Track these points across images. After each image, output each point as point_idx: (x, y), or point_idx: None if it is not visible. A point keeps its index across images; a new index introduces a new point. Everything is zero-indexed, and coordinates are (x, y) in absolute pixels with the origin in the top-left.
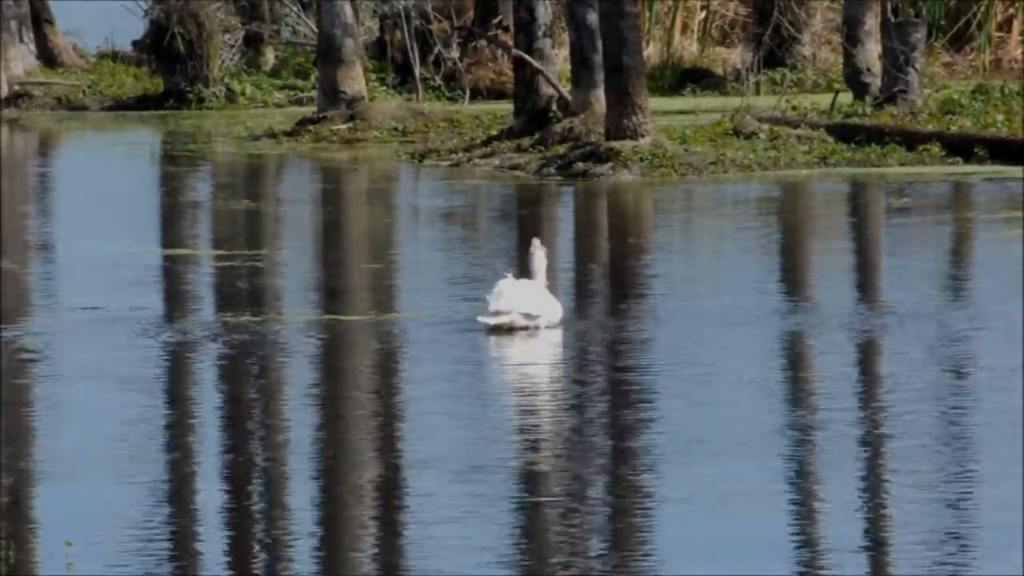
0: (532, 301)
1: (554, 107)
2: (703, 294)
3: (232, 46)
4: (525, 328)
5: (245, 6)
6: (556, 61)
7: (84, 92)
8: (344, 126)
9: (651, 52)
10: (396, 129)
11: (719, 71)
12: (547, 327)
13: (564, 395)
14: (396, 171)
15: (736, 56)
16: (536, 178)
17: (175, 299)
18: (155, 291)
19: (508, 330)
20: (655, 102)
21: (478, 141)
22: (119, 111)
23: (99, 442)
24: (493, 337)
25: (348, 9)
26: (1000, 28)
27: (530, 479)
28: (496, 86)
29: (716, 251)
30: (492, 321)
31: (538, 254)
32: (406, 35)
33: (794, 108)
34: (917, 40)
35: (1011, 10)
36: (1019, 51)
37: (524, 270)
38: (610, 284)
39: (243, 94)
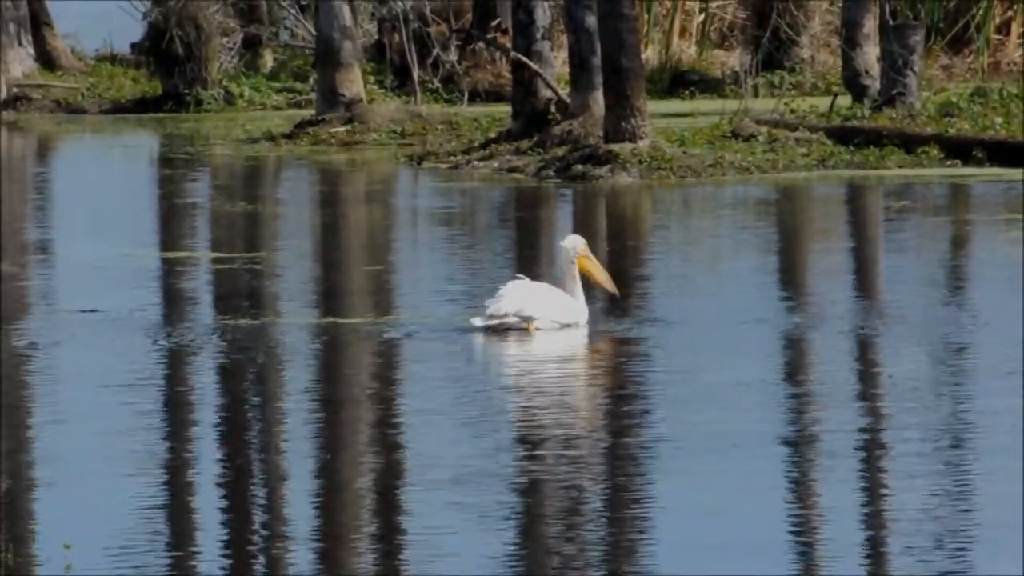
0: (534, 304)
1: (552, 109)
2: (702, 296)
3: (230, 49)
4: (524, 330)
5: (243, 8)
6: (555, 63)
7: (82, 95)
8: (342, 128)
9: (649, 55)
10: (394, 132)
11: (717, 74)
12: (539, 328)
13: (562, 397)
14: (395, 173)
15: (735, 59)
16: (535, 180)
17: (173, 301)
18: (153, 293)
19: (502, 331)
20: (653, 105)
21: (476, 143)
22: (117, 114)
23: (97, 444)
24: (485, 338)
25: (346, 12)
26: (999, 30)
27: (528, 482)
28: (494, 88)
29: (715, 253)
30: (481, 323)
31: (569, 257)
32: (404, 38)
33: (792, 111)
34: (915, 43)
35: (1009, 12)
36: (1017, 53)
37: (524, 270)
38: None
39: (241, 97)
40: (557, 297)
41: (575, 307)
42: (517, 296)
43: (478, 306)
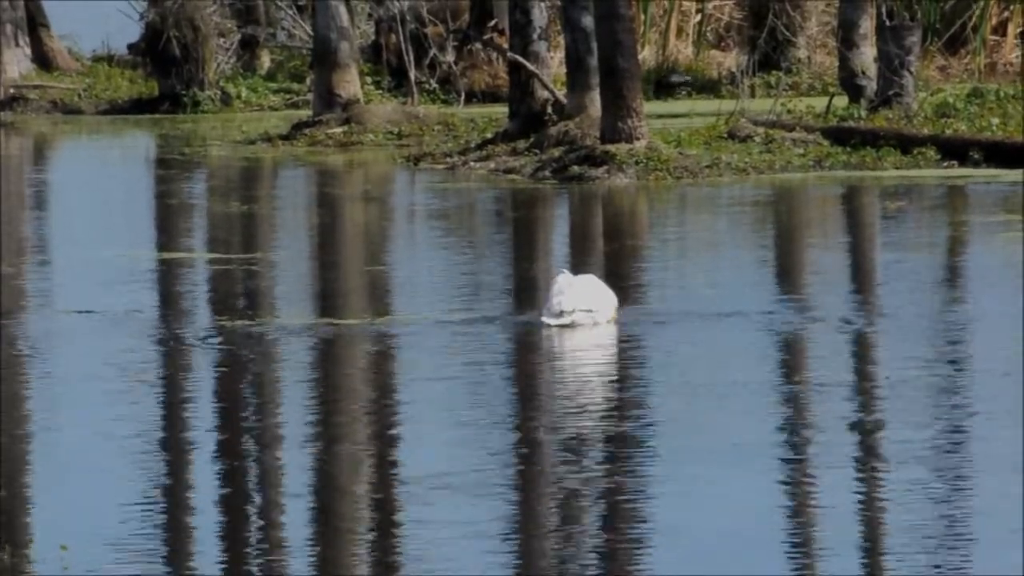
0: (591, 297)
1: (549, 110)
2: (699, 296)
3: (228, 49)
4: (594, 323)
5: (241, 9)
6: (551, 64)
7: (79, 95)
8: (339, 129)
9: (646, 55)
10: (391, 132)
11: (714, 74)
12: (606, 321)
13: (560, 398)
14: (391, 174)
15: (731, 59)
16: (531, 181)
17: (170, 302)
18: (150, 294)
19: (571, 328)
20: (649, 105)
21: (473, 144)
22: (114, 114)
23: (94, 445)
24: (551, 335)
25: (343, 12)
26: (995, 31)
27: (527, 485)
28: (491, 89)
29: (712, 253)
30: (555, 322)
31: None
32: (401, 38)
33: (789, 111)
34: (912, 43)
35: (1006, 13)
36: (1014, 54)
37: (521, 271)
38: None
39: (239, 97)
40: (603, 289)
41: (614, 299)
42: (577, 291)
43: (476, 307)
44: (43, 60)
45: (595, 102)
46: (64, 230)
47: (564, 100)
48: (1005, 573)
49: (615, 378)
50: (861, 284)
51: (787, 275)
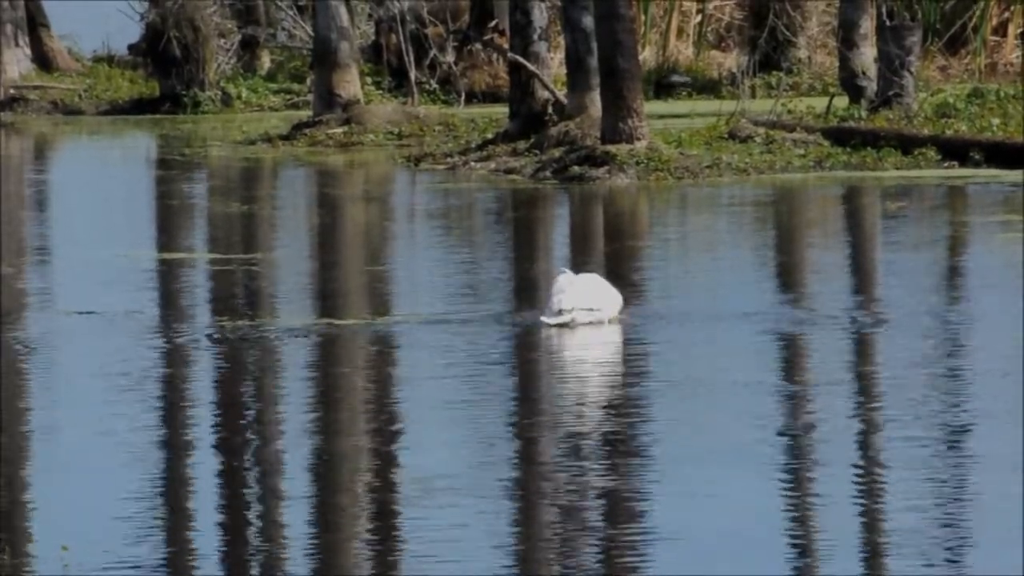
0: (593, 296)
1: (549, 110)
2: (699, 297)
3: (228, 50)
4: (589, 323)
5: (241, 9)
6: (552, 64)
7: (80, 96)
8: (340, 130)
9: (647, 55)
10: (392, 133)
11: (714, 75)
12: (609, 320)
13: (560, 398)
14: (392, 175)
15: (732, 60)
16: (532, 181)
17: (171, 303)
18: (150, 294)
19: (571, 327)
20: (649, 106)
21: (473, 145)
22: (115, 115)
23: (94, 445)
24: (551, 334)
25: (343, 13)
26: (995, 32)
27: (527, 485)
28: (491, 89)
29: (712, 254)
30: (554, 321)
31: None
32: (402, 39)
33: (790, 112)
34: (912, 44)
35: (1006, 14)
36: (1014, 55)
37: (521, 271)
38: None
39: (239, 98)
40: (606, 288)
41: (618, 298)
42: (578, 290)
43: (475, 307)
44: (43, 60)
45: (595, 102)
46: (64, 230)
47: (564, 100)
48: (1005, 573)
49: (615, 378)
50: (861, 284)
51: (787, 275)
